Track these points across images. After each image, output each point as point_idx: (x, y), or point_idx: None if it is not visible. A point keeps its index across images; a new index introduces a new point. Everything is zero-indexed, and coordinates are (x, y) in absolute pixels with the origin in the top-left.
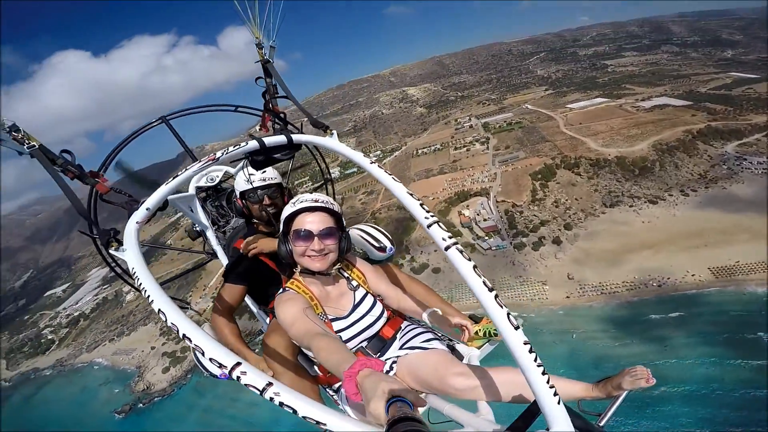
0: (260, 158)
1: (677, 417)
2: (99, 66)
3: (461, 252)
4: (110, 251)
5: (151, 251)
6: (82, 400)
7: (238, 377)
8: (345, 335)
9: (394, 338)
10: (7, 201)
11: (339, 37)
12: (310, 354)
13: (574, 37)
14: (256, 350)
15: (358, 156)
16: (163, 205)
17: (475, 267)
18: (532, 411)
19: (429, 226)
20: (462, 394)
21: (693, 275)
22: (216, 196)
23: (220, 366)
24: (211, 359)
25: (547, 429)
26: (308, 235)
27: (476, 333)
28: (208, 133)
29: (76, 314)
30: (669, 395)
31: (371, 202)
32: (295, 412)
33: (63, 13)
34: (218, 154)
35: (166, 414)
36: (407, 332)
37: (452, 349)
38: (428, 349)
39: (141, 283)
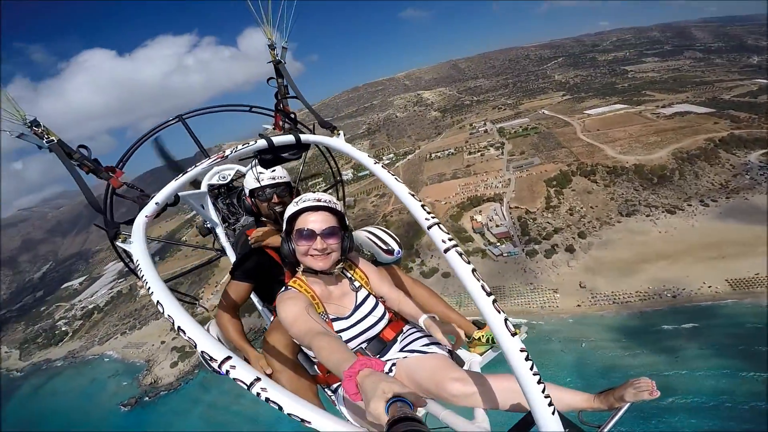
0: (269, 157)
1: (683, 429)
2: (123, 65)
3: (461, 255)
4: (117, 243)
5: (166, 247)
6: (90, 391)
7: (227, 371)
8: (345, 335)
9: (394, 341)
10: (32, 194)
11: (355, 39)
12: (310, 353)
13: (593, 42)
14: (260, 348)
15: (362, 156)
16: (175, 201)
17: (474, 270)
18: (528, 421)
19: (429, 227)
20: (458, 401)
21: (709, 287)
22: (227, 194)
23: (211, 359)
24: (202, 352)
25: None
26: (311, 235)
27: (479, 339)
28: (226, 133)
29: (90, 307)
30: (676, 406)
31: (383, 204)
32: (280, 408)
33: (92, 12)
34: (227, 151)
35: (171, 408)
36: (408, 335)
37: (453, 355)
38: (427, 353)
39: (143, 275)
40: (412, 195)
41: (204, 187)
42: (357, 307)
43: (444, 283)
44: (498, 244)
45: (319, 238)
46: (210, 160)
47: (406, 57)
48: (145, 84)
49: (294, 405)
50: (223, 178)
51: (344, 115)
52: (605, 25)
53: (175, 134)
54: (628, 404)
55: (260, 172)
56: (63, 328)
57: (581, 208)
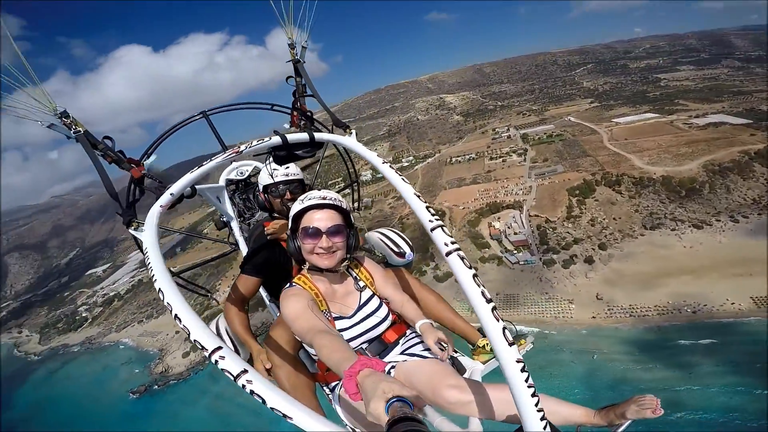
0: (283, 154)
1: None
2: (157, 61)
3: (462, 259)
4: (130, 230)
5: (188, 239)
6: (102, 378)
7: (216, 361)
8: (347, 335)
9: (396, 343)
10: (65, 182)
11: (380, 42)
12: (311, 351)
13: (625, 49)
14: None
15: (372, 155)
16: (192, 193)
17: (475, 276)
18: None
19: (432, 229)
20: (454, 408)
21: (732, 303)
22: (244, 189)
23: (202, 348)
24: (195, 341)
25: None
26: (316, 233)
27: (483, 347)
28: (248, 130)
29: (111, 294)
30: (684, 422)
31: (400, 207)
32: (264, 402)
33: (131, 9)
34: (242, 147)
35: (179, 397)
36: (410, 339)
37: (455, 361)
38: (427, 358)
39: (149, 263)
40: (418, 196)
41: (222, 182)
42: (360, 307)
43: (457, 288)
44: (515, 251)
45: (324, 236)
46: (225, 155)
47: (430, 60)
48: (177, 80)
49: (277, 399)
50: (241, 173)
51: (366, 116)
52: (639, 32)
53: (199, 130)
54: (629, 422)
55: (274, 169)
56: (84, 314)
57: (603, 219)
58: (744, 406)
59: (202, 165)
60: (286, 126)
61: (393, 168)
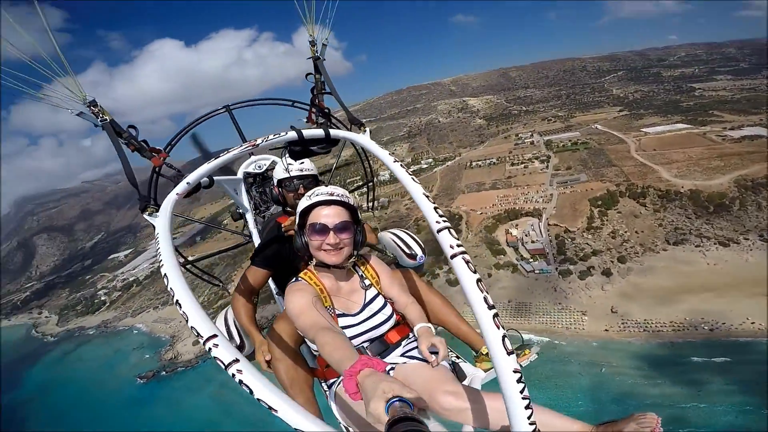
0: (298, 149)
1: None
2: (189, 55)
3: (467, 263)
4: (145, 215)
5: (207, 229)
6: (112, 361)
7: (210, 348)
8: (349, 332)
9: (397, 345)
10: (96, 168)
11: (404, 42)
12: (313, 346)
13: (659, 57)
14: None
15: (384, 154)
16: (210, 183)
17: (479, 281)
18: None
19: (439, 231)
20: (448, 414)
21: (753, 323)
22: (261, 183)
23: (198, 335)
24: (192, 327)
25: None
26: (323, 229)
27: (486, 354)
28: (270, 126)
29: (130, 279)
30: None
31: (416, 208)
32: (251, 392)
33: (168, 4)
34: (259, 140)
35: (185, 384)
36: (412, 341)
37: (456, 367)
38: (427, 361)
39: (159, 247)
40: (427, 196)
41: (240, 174)
42: (365, 306)
43: None
44: (531, 260)
45: (332, 232)
46: (242, 147)
47: (454, 63)
48: (207, 74)
49: (264, 391)
50: (259, 167)
51: (386, 117)
52: (674, 40)
53: (222, 124)
54: None
55: (289, 164)
56: (102, 298)
57: (625, 231)
58: (749, 426)
59: (218, 156)
60: (305, 122)
61: (404, 167)
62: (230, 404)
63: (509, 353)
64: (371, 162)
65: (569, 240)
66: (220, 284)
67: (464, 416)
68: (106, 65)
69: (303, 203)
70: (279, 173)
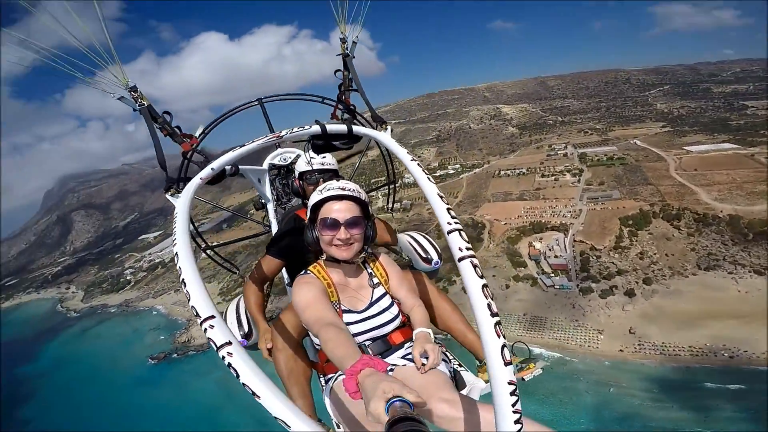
0: (321, 143)
1: None
2: (232, 48)
3: (475, 267)
4: (167, 195)
5: (233, 218)
6: (128, 340)
7: (206, 329)
8: (353, 329)
9: (400, 346)
10: (136, 152)
11: (439, 46)
12: (315, 340)
13: (710, 72)
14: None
15: (402, 152)
16: (235, 172)
17: (485, 287)
18: None
19: (449, 232)
20: (441, 423)
21: None
22: (285, 175)
23: (197, 315)
24: (192, 306)
25: None
26: (334, 224)
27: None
28: (300, 121)
29: (156, 261)
30: None
31: None
32: (237, 376)
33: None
34: (283, 132)
35: (194, 368)
36: None
37: (457, 375)
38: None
39: (175, 226)
40: (441, 197)
41: (265, 165)
42: (371, 304)
43: None
44: (552, 275)
45: (342, 227)
46: (266, 138)
47: (490, 69)
48: (247, 68)
49: (250, 377)
50: (284, 159)
51: (416, 119)
52: (730, 54)
53: (257, 117)
54: None
55: (312, 157)
56: (128, 277)
57: (654, 253)
58: None
59: (243, 145)
60: (330, 118)
61: (420, 166)
62: (233, 391)
63: (506, 363)
64: (396, 164)
65: (594, 258)
66: (237, 271)
67: (456, 425)
68: (155, 55)
69: (314, 197)
70: (301, 166)
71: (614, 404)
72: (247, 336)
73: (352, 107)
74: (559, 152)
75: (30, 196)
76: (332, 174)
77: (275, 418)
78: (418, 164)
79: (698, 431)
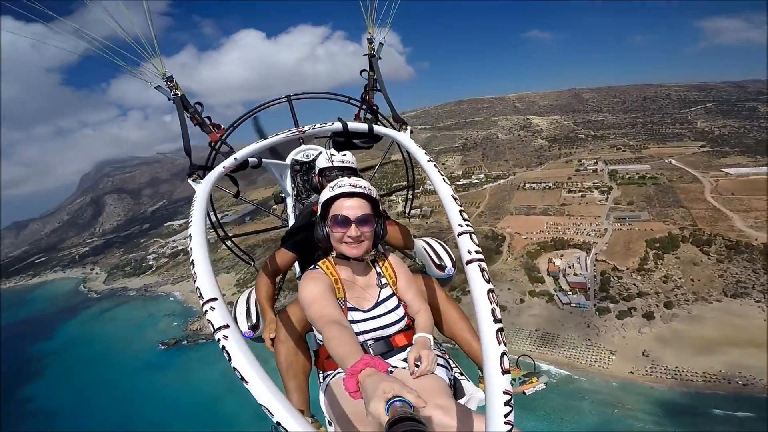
0: (341, 140)
1: None
2: (268, 46)
3: (483, 271)
4: (189, 180)
5: (257, 211)
6: (142, 324)
7: (206, 310)
8: (357, 327)
9: (402, 349)
10: (171, 142)
11: (471, 53)
12: (319, 336)
13: (759, 90)
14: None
15: (419, 152)
16: (258, 164)
17: (491, 291)
18: None
19: (460, 234)
20: (433, 429)
21: None
22: (306, 171)
23: (200, 296)
24: (197, 287)
25: None
26: (345, 221)
27: None
28: (327, 119)
29: (179, 248)
30: None
31: None
32: (229, 359)
33: None
34: (306, 127)
35: (202, 356)
36: None
37: (456, 383)
38: (434, 371)
39: (192, 210)
40: (454, 198)
41: (288, 161)
42: (377, 304)
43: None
44: (569, 292)
45: (353, 225)
46: (289, 132)
47: (523, 79)
48: (282, 66)
49: (241, 361)
50: (307, 156)
51: (442, 126)
52: None
53: (282, 113)
54: None
55: (332, 154)
56: (150, 262)
57: (679, 278)
58: None
59: (267, 138)
60: (353, 117)
61: (437, 167)
62: (236, 383)
63: (504, 372)
64: (419, 171)
65: (615, 278)
66: (252, 263)
67: None
68: (197, 50)
69: (326, 194)
70: (321, 162)
71: (615, 426)
72: (254, 327)
73: (374, 107)
74: (588, 168)
75: (68, 178)
76: (351, 172)
77: (260, 405)
78: (435, 165)
79: None
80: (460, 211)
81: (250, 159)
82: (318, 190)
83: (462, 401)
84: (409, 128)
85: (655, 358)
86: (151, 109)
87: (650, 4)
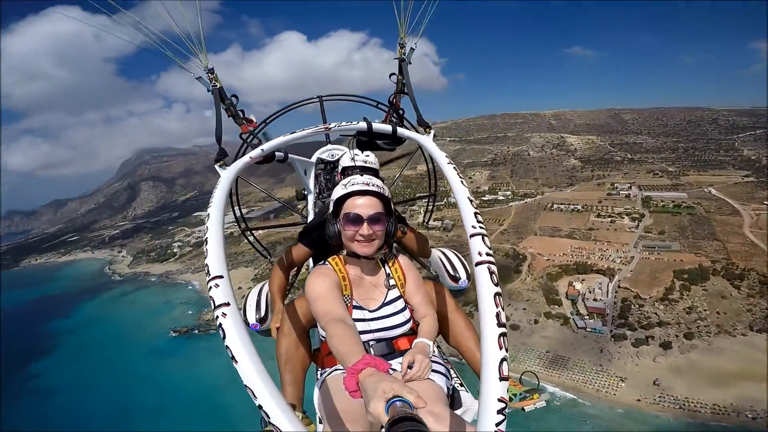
0: (365, 139)
1: None
2: (308, 49)
3: (492, 274)
4: (216, 166)
5: (280, 210)
6: (158, 310)
7: (210, 287)
8: (360, 326)
9: (404, 352)
10: (209, 136)
11: (508, 68)
12: (322, 332)
13: None
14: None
15: (440, 155)
16: (284, 158)
17: (498, 295)
18: None
19: (472, 235)
20: None
21: None
22: (330, 170)
23: (207, 273)
24: (206, 264)
25: None
26: (357, 219)
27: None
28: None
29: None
30: None
31: None
32: (224, 338)
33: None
34: (332, 125)
35: (210, 346)
36: None
37: (454, 393)
38: (426, 378)
39: (214, 192)
40: (471, 200)
41: (314, 159)
42: (383, 305)
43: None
44: (586, 317)
45: (366, 223)
46: (316, 128)
47: (561, 95)
48: (319, 69)
49: (235, 340)
50: (332, 155)
51: (472, 140)
52: None
53: (313, 113)
54: None
55: (356, 154)
56: (174, 250)
57: (704, 310)
58: None
59: (294, 132)
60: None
61: (456, 170)
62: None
63: (501, 378)
64: (444, 183)
65: (636, 306)
66: (268, 257)
67: None
68: (241, 48)
69: (338, 191)
70: (345, 161)
71: None
72: (261, 320)
73: (401, 111)
74: (621, 192)
75: (110, 162)
76: (373, 173)
77: (245, 386)
78: (454, 167)
79: None
80: (475, 213)
81: (277, 153)
82: None
83: (458, 412)
84: (432, 131)
85: (666, 387)
86: (194, 103)
87: (703, 25)
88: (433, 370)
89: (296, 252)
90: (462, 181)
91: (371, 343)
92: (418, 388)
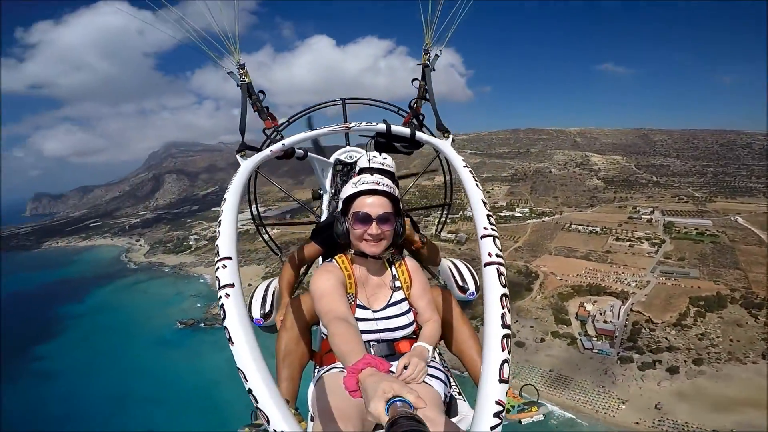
0: (383, 141)
1: None
2: (336, 54)
3: (501, 275)
4: (237, 156)
5: (297, 210)
6: (168, 301)
7: (218, 268)
8: (363, 326)
9: (403, 355)
10: (235, 134)
11: (535, 83)
12: (324, 330)
13: None
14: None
15: (458, 159)
16: (303, 156)
17: (505, 296)
18: None
19: (483, 236)
20: None
21: None
22: (347, 172)
23: (216, 253)
24: (216, 245)
25: None
26: (366, 219)
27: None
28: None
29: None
30: None
31: None
32: (224, 318)
33: (336, 3)
34: (352, 124)
35: (215, 340)
36: None
37: (451, 400)
38: (424, 382)
39: (232, 180)
40: (484, 203)
41: (332, 159)
42: (387, 306)
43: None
44: (594, 338)
45: (374, 223)
46: (336, 127)
47: (587, 113)
48: (345, 74)
49: (234, 322)
50: (350, 157)
51: (493, 154)
52: None
53: (335, 116)
54: None
55: (374, 156)
56: (190, 242)
57: (717, 337)
58: None
59: (315, 129)
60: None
61: (472, 173)
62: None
63: (501, 380)
64: (459, 194)
65: (647, 330)
66: (279, 254)
67: None
68: (273, 50)
69: (348, 190)
70: (362, 162)
71: None
72: (266, 316)
73: (421, 116)
74: (642, 216)
75: (139, 153)
76: (389, 176)
77: (238, 369)
78: (470, 171)
79: None
80: (488, 216)
81: (296, 150)
82: None
83: (453, 420)
84: (450, 136)
85: (667, 411)
86: (224, 101)
87: (744, 44)
88: (432, 376)
89: (308, 250)
90: (477, 184)
91: (372, 343)
92: (417, 392)
